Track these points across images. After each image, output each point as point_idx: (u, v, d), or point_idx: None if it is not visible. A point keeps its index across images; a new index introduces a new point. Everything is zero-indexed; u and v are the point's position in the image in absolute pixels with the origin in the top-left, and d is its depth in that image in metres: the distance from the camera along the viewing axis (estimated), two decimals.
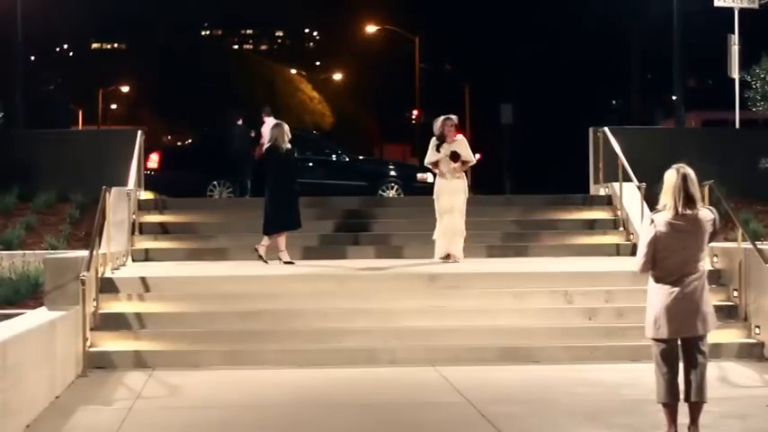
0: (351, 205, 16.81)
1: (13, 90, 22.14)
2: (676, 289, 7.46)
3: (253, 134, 20.31)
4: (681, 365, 7.61)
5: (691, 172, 7.50)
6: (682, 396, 7.57)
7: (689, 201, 7.42)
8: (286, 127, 13.93)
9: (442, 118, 13.79)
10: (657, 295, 7.53)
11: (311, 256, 14.57)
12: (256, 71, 78.12)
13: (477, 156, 14.24)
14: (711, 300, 7.75)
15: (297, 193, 13.83)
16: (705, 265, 7.63)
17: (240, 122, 20.15)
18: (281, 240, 13.73)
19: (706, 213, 7.52)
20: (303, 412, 8.80)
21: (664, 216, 7.49)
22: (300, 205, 13.93)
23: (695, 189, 7.47)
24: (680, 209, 7.43)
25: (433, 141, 13.78)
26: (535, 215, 16.13)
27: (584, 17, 44.69)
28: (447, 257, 13.63)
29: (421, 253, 14.28)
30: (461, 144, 13.76)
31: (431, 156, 13.77)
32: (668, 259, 7.47)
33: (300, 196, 14.01)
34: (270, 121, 20.05)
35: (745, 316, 11.48)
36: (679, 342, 7.57)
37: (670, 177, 7.48)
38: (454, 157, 13.58)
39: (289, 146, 13.80)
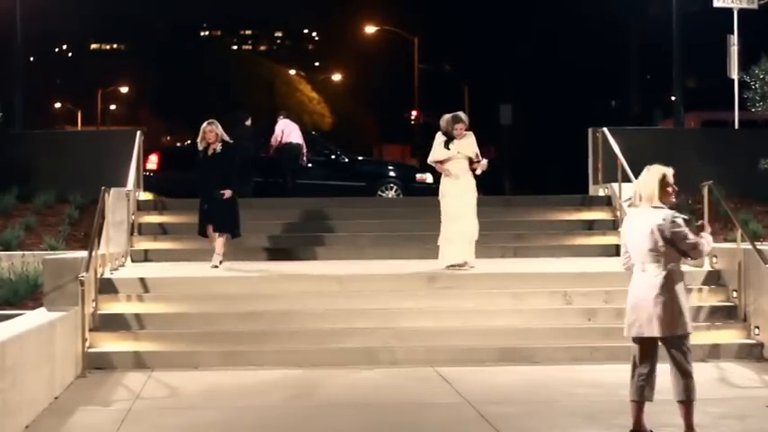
0: (349, 206, 16.81)
1: (13, 91, 22.12)
2: (637, 288, 7.46)
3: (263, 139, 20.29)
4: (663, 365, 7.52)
5: (653, 167, 7.45)
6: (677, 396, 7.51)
7: (641, 196, 7.44)
8: (207, 129, 13.43)
9: (450, 117, 12.83)
10: (629, 294, 7.58)
11: (308, 257, 14.57)
12: (256, 72, 78.15)
13: (485, 161, 13.04)
14: (684, 300, 7.37)
15: (228, 196, 13.33)
16: (673, 266, 7.34)
17: (249, 123, 20.04)
18: (218, 243, 13.38)
19: (657, 216, 7.32)
20: (303, 412, 8.79)
21: (629, 210, 7.61)
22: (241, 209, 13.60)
23: (647, 185, 7.41)
24: (636, 203, 7.49)
25: (440, 137, 12.82)
26: (534, 216, 16.12)
27: (583, 18, 44.70)
28: (458, 265, 12.59)
29: (420, 254, 14.27)
30: (471, 140, 12.85)
31: (439, 153, 12.78)
32: (631, 255, 7.53)
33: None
34: (283, 123, 20.04)
35: (745, 316, 11.48)
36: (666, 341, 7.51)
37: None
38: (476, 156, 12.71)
39: (219, 146, 13.36)
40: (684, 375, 7.40)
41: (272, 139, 19.86)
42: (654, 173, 7.47)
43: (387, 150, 57.84)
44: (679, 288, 7.40)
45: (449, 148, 12.78)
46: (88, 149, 17.98)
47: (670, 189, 7.43)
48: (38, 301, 11.24)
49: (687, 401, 7.42)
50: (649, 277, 7.39)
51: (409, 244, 14.84)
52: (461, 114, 12.94)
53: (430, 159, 13.02)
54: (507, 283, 12.08)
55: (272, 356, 10.77)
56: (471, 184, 12.88)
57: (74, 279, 10.42)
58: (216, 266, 13.22)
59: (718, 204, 13.49)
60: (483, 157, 13.11)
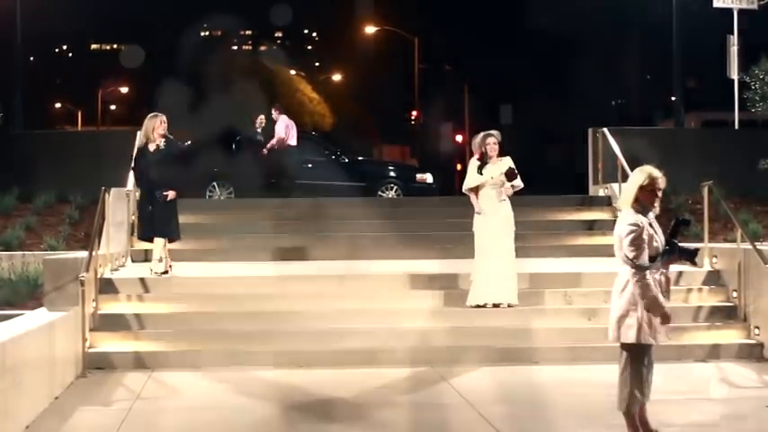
0: (350, 206, 16.80)
1: (13, 91, 22.14)
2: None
3: (260, 137, 20.30)
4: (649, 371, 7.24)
5: (640, 168, 7.25)
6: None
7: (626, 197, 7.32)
8: (155, 123, 12.30)
9: (481, 135, 11.72)
10: None
11: (308, 257, 14.57)
12: (255, 72, 78.08)
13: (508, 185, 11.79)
14: (629, 309, 7.00)
15: (163, 199, 12.27)
16: (626, 271, 6.99)
17: (260, 122, 20.07)
18: (160, 248, 12.41)
19: (625, 220, 7.08)
20: (303, 413, 8.79)
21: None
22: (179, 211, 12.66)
23: (627, 187, 7.25)
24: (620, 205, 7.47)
25: (474, 163, 11.71)
26: (534, 216, 16.09)
27: (583, 18, 44.73)
28: (491, 305, 11.48)
29: (420, 254, 14.27)
30: (505, 164, 11.71)
31: (472, 179, 11.64)
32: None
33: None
34: (285, 121, 20.02)
35: (745, 316, 11.48)
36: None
37: None
38: (511, 175, 11.61)
39: (160, 143, 12.28)
40: (619, 385, 7.14)
41: (279, 140, 19.77)
42: (636, 175, 7.21)
43: (387, 151, 57.88)
44: (629, 295, 7.03)
45: (482, 174, 11.67)
46: (88, 149, 17.97)
47: (648, 192, 7.08)
48: (38, 301, 11.24)
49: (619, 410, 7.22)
50: (617, 280, 7.13)
51: (409, 244, 14.83)
52: (493, 131, 11.84)
53: (464, 188, 11.82)
54: None
55: (273, 356, 10.76)
56: (507, 214, 11.77)
57: (74, 279, 10.42)
58: (166, 272, 12.35)
59: (718, 204, 13.49)
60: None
